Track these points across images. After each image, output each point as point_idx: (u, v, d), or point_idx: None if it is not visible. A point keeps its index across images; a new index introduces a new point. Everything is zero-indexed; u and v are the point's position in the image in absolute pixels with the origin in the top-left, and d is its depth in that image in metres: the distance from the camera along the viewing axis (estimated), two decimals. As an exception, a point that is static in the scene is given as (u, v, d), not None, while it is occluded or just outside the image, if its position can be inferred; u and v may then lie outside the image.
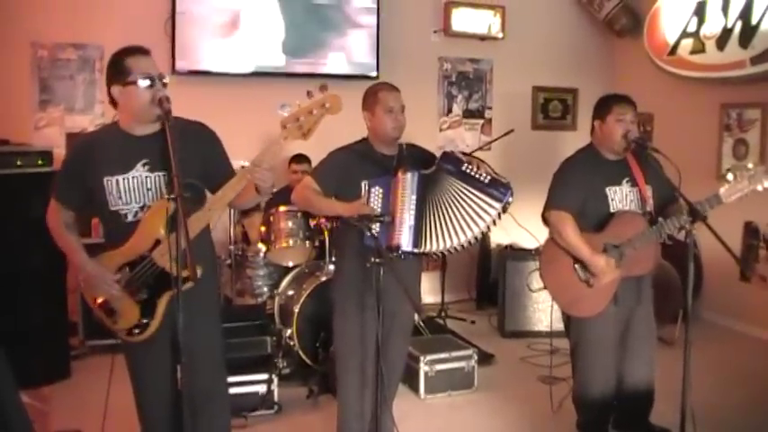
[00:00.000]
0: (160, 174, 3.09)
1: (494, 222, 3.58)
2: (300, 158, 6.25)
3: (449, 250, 3.63)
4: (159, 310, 3.09)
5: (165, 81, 3.07)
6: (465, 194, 3.57)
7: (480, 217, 3.56)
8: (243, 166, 3.09)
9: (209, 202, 3.07)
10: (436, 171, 3.62)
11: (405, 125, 3.73)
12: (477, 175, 3.56)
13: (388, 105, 3.68)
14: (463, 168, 3.58)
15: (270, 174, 3.02)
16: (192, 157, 3.08)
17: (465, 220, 3.57)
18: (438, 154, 3.77)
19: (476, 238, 3.61)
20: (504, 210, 3.59)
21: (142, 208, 3.10)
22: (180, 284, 2.78)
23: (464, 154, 3.72)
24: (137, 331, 3.13)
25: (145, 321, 3.11)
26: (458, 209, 3.58)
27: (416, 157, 3.75)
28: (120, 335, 3.20)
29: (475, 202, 3.56)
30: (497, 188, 3.55)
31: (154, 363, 3.19)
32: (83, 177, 3.13)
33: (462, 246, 3.62)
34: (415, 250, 3.59)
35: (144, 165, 3.09)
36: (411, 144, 3.85)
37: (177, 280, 2.78)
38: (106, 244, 3.20)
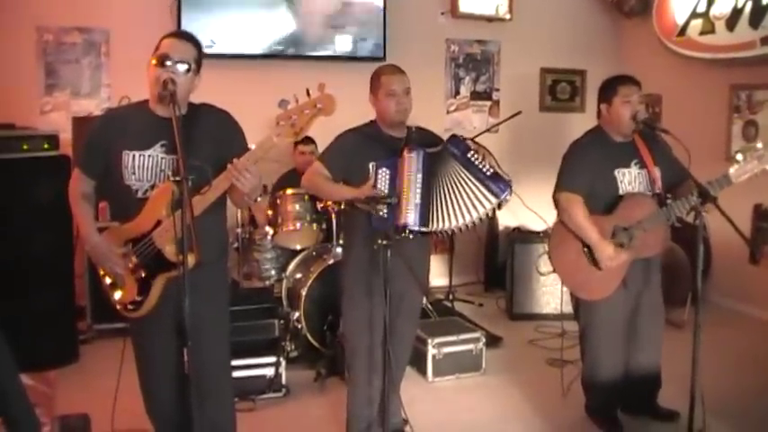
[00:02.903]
0: (175, 157, 3.10)
1: (487, 215, 3.61)
2: (307, 140, 6.21)
3: (453, 230, 3.65)
4: (153, 290, 3.13)
5: (183, 68, 3.07)
6: (464, 180, 3.60)
7: (474, 207, 3.59)
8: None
9: (203, 190, 3.05)
10: (441, 151, 3.64)
11: (410, 108, 3.72)
12: (480, 165, 3.59)
13: (390, 89, 3.68)
14: (468, 155, 3.60)
15: (251, 178, 2.98)
16: (207, 143, 3.14)
17: (460, 205, 3.59)
18: (447, 137, 3.77)
19: (474, 223, 3.62)
20: (500, 206, 3.61)
21: (152, 187, 3.14)
22: (185, 267, 2.78)
23: (473, 141, 3.72)
24: (131, 307, 3.19)
25: (139, 299, 3.16)
26: (456, 192, 3.59)
27: (425, 141, 3.74)
28: (118, 308, 3.26)
29: (472, 191, 3.58)
30: (497, 183, 3.56)
31: (157, 344, 3.24)
32: (105, 147, 3.19)
33: (464, 227, 3.63)
34: (423, 229, 3.59)
35: (162, 145, 3.15)
36: (420, 127, 3.84)
37: (183, 262, 2.78)
38: (115, 218, 3.27)
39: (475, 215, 3.59)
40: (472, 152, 3.62)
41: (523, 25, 7.99)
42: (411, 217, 3.55)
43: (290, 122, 2.98)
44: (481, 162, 3.59)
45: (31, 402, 2.87)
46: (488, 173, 3.57)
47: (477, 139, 6.44)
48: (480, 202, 3.57)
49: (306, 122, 2.99)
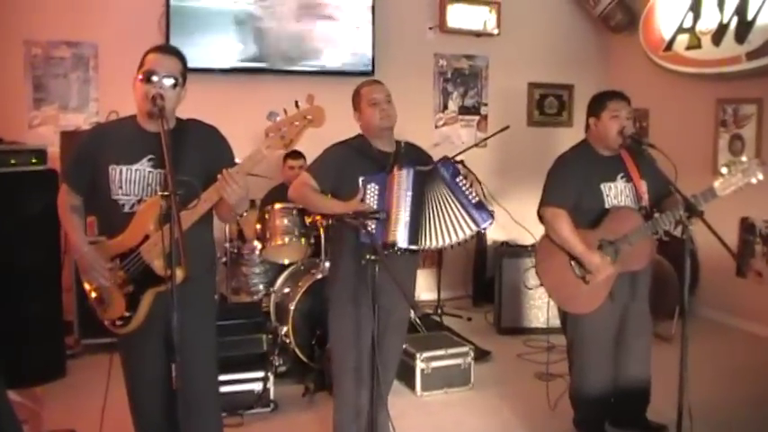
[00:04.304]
0: (162, 171, 3.10)
1: (465, 240, 3.67)
2: (296, 154, 6.21)
3: (440, 248, 3.71)
4: (142, 305, 3.11)
5: (170, 83, 3.08)
6: (449, 204, 3.66)
7: (455, 231, 3.65)
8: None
9: (192, 205, 3.05)
10: (431, 171, 3.67)
11: (394, 115, 3.74)
12: (466, 192, 3.65)
13: (370, 98, 3.71)
14: (457, 180, 3.66)
15: (239, 189, 2.97)
16: (195, 159, 3.14)
17: (442, 227, 3.65)
18: (436, 155, 3.81)
19: (452, 246, 3.69)
20: (478, 234, 3.69)
21: (139, 201, 3.13)
22: (173, 281, 2.78)
23: (463, 166, 3.76)
24: (119, 323, 3.16)
25: (128, 315, 3.13)
26: (440, 214, 3.65)
27: (414, 157, 3.76)
28: (106, 324, 3.23)
29: (455, 215, 3.65)
30: (480, 212, 3.64)
31: (145, 359, 3.22)
32: (92, 163, 3.19)
33: (444, 248, 3.72)
34: (412, 247, 3.60)
35: (149, 160, 3.14)
36: (410, 143, 3.86)
37: (172, 277, 2.79)
38: (103, 233, 3.24)
39: (455, 238, 3.65)
40: (461, 177, 3.67)
41: (511, 40, 8.03)
42: (400, 234, 3.56)
43: (280, 134, 2.98)
44: (468, 188, 3.65)
45: (19, 419, 2.85)
46: (473, 201, 3.63)
47: (465, 154, 6.54)
48: (461, 227, 3.64)
49: (296, 134, 3.00)
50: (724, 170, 3.79)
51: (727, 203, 3.83)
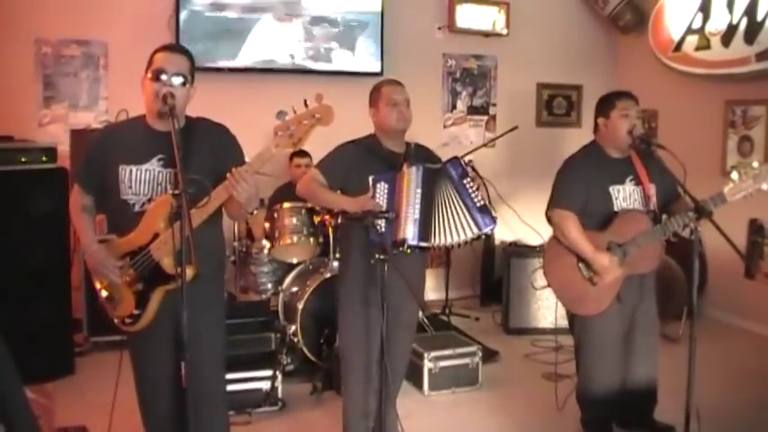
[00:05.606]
0: (172, 170, 3.11)
1: (465, 243, 3.69)
2: (302, 153, 6.21)
3: (442, 247, 3.72)
4: (151, 303, 3.13)
5: (179, 81, 3.09)
6: (454, 204, 3.67)
7: (457, 231, 3.67)
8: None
9: (202, 203, 3.06)
10: (440, 170, 3.68)
11: (410, 119, 3.75)
12: (472, 194, 3.66)
13: (390, 98, 3.72)
14: (464, 181, 3.68)
15: (248, 187, 2.99)
16: (205, 157, 3.16)
17: (446, 226, 3.66)
18: (444, 155, 3.82)
19: (453, 246, 3.71)
20: (479, 237, 3.69)
21: (149, 200, 3.14)
22: (183, 279, 2.79)
23: (472, 169, 3.77)
24: (129, 321, 3.18)
25: (137, 313, 3.15)
26: (445, 212, 3.66)
27: (423, 158, 3.77)
28: (116, 322, 3.25)
29: (458, 215, 3.67)
30: (483, 216, 3.66)
31: (154, 356, 3.24)
32: (102, 163, 3.21)
33: (449, 246, 3.73)
34: (422, 244, 3.61)
35: (159, 160, 3.15)
36: (420, 144, 3.87)
37: (182, 275, 2.80)
38: (112, 231, 3.26)
39: (456, 239, 3.66)
40: (469, 179, 3.69)
41: (520, 40, 8.03)
42: (410, 232, 3.58)
43: (289, 133, 2.99)
44: (474, 191, 3.66)
45: (35, 415, 2.87)
46: (478, 204, 3.64)
47: (474, 154, 6.54)
48: (463, 228, 3.65)
49: (304, 133, 3.00)
50: (734, 175, 3.75)
51: (736, 205, 3.80)
